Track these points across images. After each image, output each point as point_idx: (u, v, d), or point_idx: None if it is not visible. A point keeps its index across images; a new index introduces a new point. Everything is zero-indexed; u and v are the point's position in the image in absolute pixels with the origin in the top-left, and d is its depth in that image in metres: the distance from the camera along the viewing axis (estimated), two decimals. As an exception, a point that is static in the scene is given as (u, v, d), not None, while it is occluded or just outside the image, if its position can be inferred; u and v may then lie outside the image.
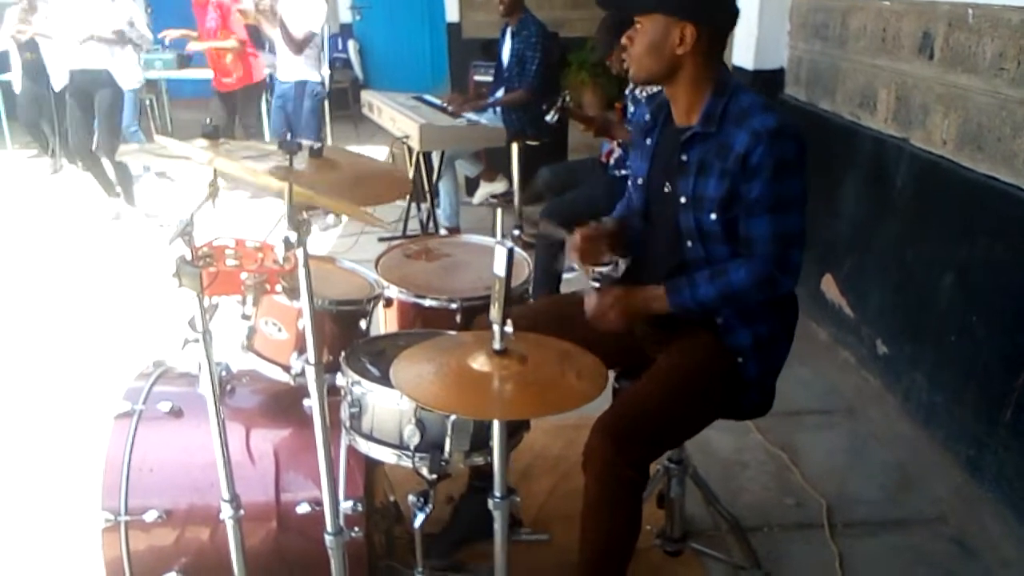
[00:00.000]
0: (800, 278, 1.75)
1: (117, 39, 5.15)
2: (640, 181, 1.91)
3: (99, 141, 5.35)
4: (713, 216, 1.71)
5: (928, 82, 2.78)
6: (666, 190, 1.81)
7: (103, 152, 5.31)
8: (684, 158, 1.75)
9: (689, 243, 1.77)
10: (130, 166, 5.41)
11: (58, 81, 6.38)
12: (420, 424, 1.58)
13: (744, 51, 4.10)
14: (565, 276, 3.75)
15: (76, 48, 5.14)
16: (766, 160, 1.64)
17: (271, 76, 5.70)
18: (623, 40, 1.78)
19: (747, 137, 1.65)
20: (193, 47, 5.64)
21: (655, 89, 3.06)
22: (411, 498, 1.66)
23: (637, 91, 3.29)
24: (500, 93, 4.62)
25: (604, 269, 1.92)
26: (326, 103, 6.31)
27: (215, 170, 1.53)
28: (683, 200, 1.75)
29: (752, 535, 2.28)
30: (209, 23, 5.37)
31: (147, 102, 7.37)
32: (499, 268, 1.35)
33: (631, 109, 3.37)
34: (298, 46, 4.90)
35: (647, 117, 1.91)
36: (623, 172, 3.41)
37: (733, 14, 1.76)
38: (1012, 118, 2.35)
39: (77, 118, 5.36)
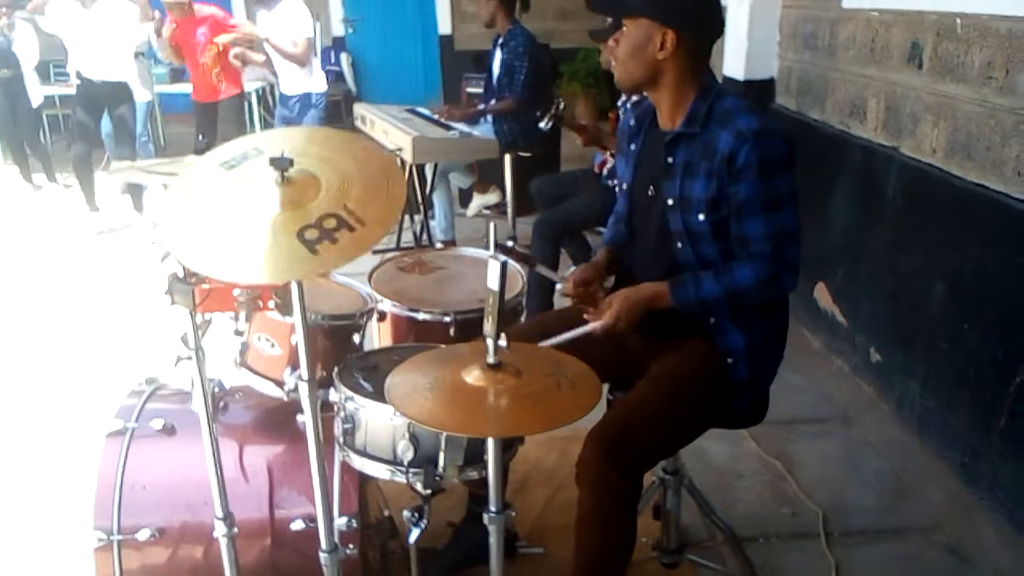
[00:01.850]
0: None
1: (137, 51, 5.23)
2: (625, 186, 1.93)
3: (114, 152, 5.36)
4: (701, 216, 1.72)
5: (917, 91, 2.80)
6: (650, 193, 1.82)
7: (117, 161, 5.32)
8: (670, 160, 1.76)
9: (679, 244, 1.77)
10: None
11: (36, 98, 6.35)
12: (414, 439, 1.58)
13: (735, 61, 4.13)
14: (559, 287, 3.74)
15: (97, 58, 5.15)
16: (752, 160, 1.64)
17: (265, 89, 5.70)
18: (610, 42, 1.79)
19: (731, 138, 1.66)
20: (223, 39, 5.27)
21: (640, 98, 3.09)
22: (406, 514, 1.65)
23: (630, 104, 3.30)
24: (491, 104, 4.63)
25: None
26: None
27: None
28: (670, 202, 1.76)
29: (748, 545, 2.28)
30: (199, 38, 5.35)
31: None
32: (493, 282, 1.36)
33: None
34: (299, 60, 4.91)
35: (632, 123, 1.93)
36: (616, 182, 3.42)
37: (717, 24, 1.77)
38: (1001, 127, 2.37)
39: (82, 128, 5.36)
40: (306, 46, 4.88)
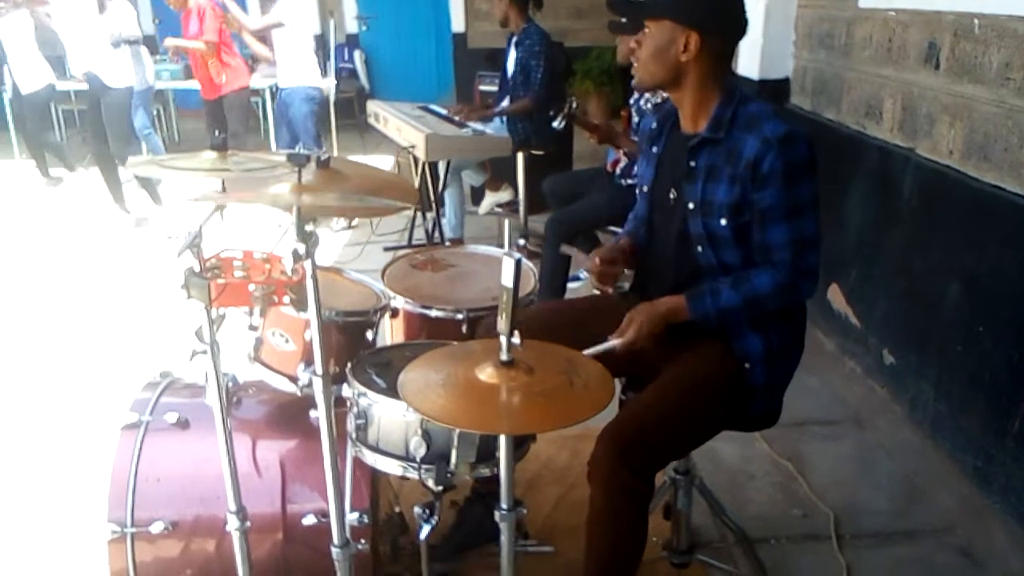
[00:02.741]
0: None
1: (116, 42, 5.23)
2: (646, 188, 1.92)
3: (112, 147, 5.36)
4: (723, 221, 1.72)
5: (934, 92, 2.78)
6: (671, 196, 1.82)
7: (118, 157, 5.32)
8: (692, 164, 1.76)
9: (699, 248, 1.77)
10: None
11: (25, 86, 6.23)
12: (426, 435, 1.58)
13: (749, 61, 4.11)
14: (570, 285, 3.75)
15: (84, 53, 5.18)
16: (777, 167, 1.64)
17: (273, 86, 5.72)
18: (632, 43, 1.78)
19: (757, 143, 1.66)
20: (168, 42, 5.60)
21: (660, 99, 3.08)
22: (417, 510, 1.65)
23: (642, 101, 3.29)
24: (506, 103, 4.63)
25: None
26: (332, 112, 6.31)
27: (223, 181, 1.54)
28: (691, 206, 1.76)
29: (759, 547, 2.27)
30: (192, 29, 5.38)
31: (154, 112, 7.36)
32: (507, 279, 1.35)
33: (636, 119, 3.38)
34: (252, 31, 5.04)
35: (653, 125, 1.92)
36: (629, 181, 3.41)
37: (741, 26, 1.77)
38: (1019, 128, 2.35)
39: (90, 122, 5.40)
40: (266, 26, 5.02)
